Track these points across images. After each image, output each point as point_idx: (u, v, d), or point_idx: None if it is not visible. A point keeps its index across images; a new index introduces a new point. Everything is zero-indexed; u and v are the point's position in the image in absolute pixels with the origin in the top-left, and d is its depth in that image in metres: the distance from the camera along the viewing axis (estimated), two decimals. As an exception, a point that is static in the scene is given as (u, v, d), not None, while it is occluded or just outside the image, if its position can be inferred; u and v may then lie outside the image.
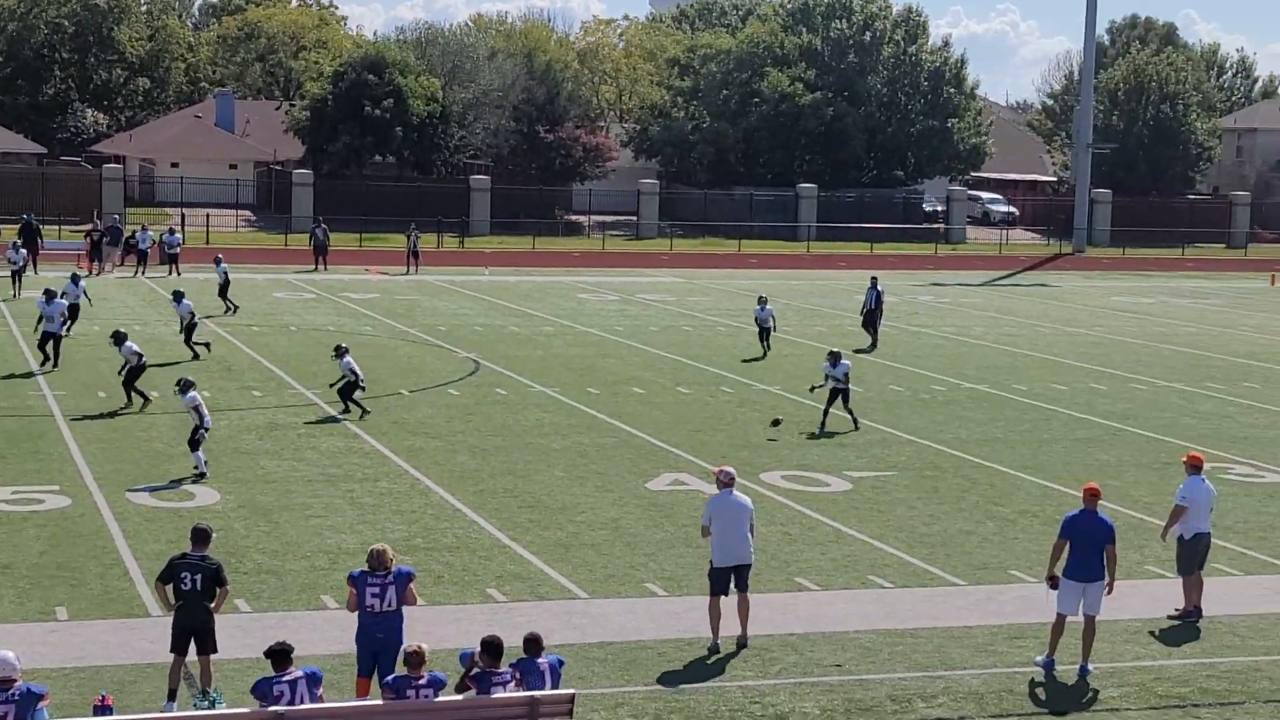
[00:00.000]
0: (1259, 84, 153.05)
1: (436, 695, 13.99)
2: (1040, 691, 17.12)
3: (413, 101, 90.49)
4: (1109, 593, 17.89)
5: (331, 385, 32.78)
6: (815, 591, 20.62)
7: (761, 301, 43.71)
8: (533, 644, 14.57)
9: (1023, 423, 33.81)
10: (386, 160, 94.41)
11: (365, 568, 15.81)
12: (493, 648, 14.32)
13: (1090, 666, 17.71)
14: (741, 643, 18.24)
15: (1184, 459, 20.67)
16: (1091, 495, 18.08)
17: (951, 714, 16.38)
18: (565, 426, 31.86)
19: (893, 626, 19.18)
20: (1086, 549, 17.74)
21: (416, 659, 14.04)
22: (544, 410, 33.70)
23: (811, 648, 18.29)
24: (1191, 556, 19.91)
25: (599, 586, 20.55)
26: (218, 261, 51.23)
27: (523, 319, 51.26)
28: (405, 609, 15.88)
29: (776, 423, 31.94)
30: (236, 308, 49.43)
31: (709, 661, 17.77)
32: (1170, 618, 19.83)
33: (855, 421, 31.98)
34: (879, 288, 46.86)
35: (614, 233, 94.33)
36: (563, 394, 35.89)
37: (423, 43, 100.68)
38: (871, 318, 46.44)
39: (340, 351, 32.13)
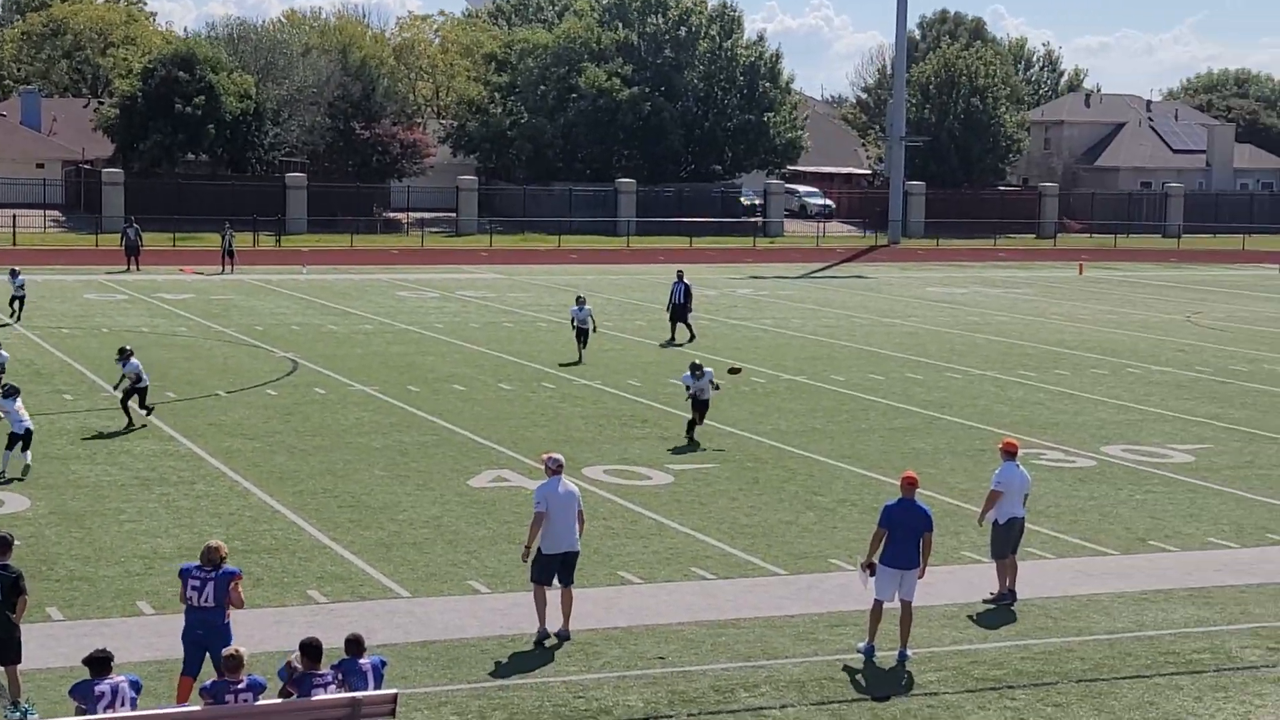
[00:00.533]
0: (1065, 77, 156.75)
1: (256, 699, 13.80)
2: (860, 678, 17.35)
3: (225, 99, 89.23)
4: (920, 577, 18.19)
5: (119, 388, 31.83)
6: (638, 585, 20.69)
7: (580, 301, 42.46)
8: (354, 644, 14.45)
9: (841, 413, 34.24)
10: (199, 158, 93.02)
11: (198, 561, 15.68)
12: (312, 649, 14.18)
13: (909, 652, 17.98)
14: (563, 636, 18.25)
15: (999, 445, 21.06)
16: (909, 484, 18.34)
17: (774, 702, 16.53)
18: (385, 425, 31.64)
19: (715, 617, 19.30)
20: (905, 537, 18.01)
21: (234, 662, 13.84)
22: (363, 409, 33.44)
23: (635, 641, 18.35)
24: (1005, 540, 20.29)
25: (421, 585, 20.43)
26: (14, 274, 48.46)
27: (341, 317, 50.82)
28: (235, 612, 15.67)
29: (735, 370, 31.73)
30: (17, 319, 47.55)
31: (534, 654, 17.75)
32: (986, 601, 20.21)
33: (691, 431, 30.74)
34: (685, 281, 47.02)
35: (433, 230, 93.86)
36: (382, 392, 35.64)
37: (235, 39, 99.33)
38: (680, 312, 46.51)
39: (124, 354, 30.62)
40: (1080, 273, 77.41)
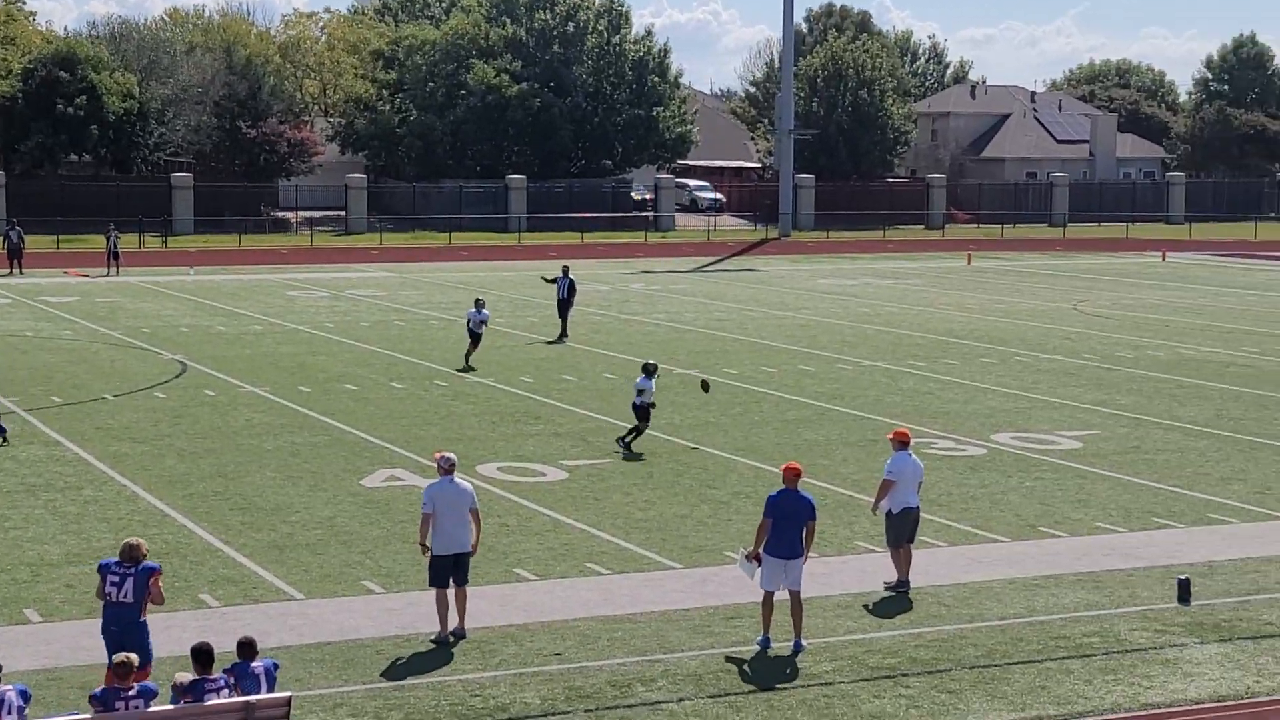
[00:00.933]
0: (950, 69, 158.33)
1: (147, 706, 13.64)
2: (748, 669, 17.39)
3: (108, 98, 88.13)
4: (804, 563, 18.34)
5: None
6: (534, 581, 20.65)
7: (478, 304, 40.95)
8: (246, 648, 14.32)
9: (734, 406, 34.35)
10: (83, 159, 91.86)
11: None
12: (202, 655, 14.05)
13: (804, 642, 18.07)
14: (459, 635, 18.18)
15: (890, 435, 21.22)
16: (792, 474, 18.46)
17: (670, 696, 16.56)
18: (276, 426, 31.39)
19: (611, 613, 19.31)
20: (789, 527, 18.14)
21: (124, 670, 13.66)
22: (254, 410, 33.15)
23: (531, 638, 18.32)
24: (900, 529, 20.45)
25: (315, 587, 20.28)
26: None
27: (230, 318, 50.36)
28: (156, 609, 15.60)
29: (705, 386, 31.56)
30: None
31: (430, 653, 17.67)
32: (887, 587, 20.36)
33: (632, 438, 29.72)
34: (571, 277, 46.94)
35: (322, 228, 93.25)
36: (273, 393, 35.35)
37: (117, 38, 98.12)
38: (563, 307, 46.33)
39: None
40: (968, 263, 78.16)
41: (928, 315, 53.26)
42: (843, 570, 21.10)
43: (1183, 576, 20.37)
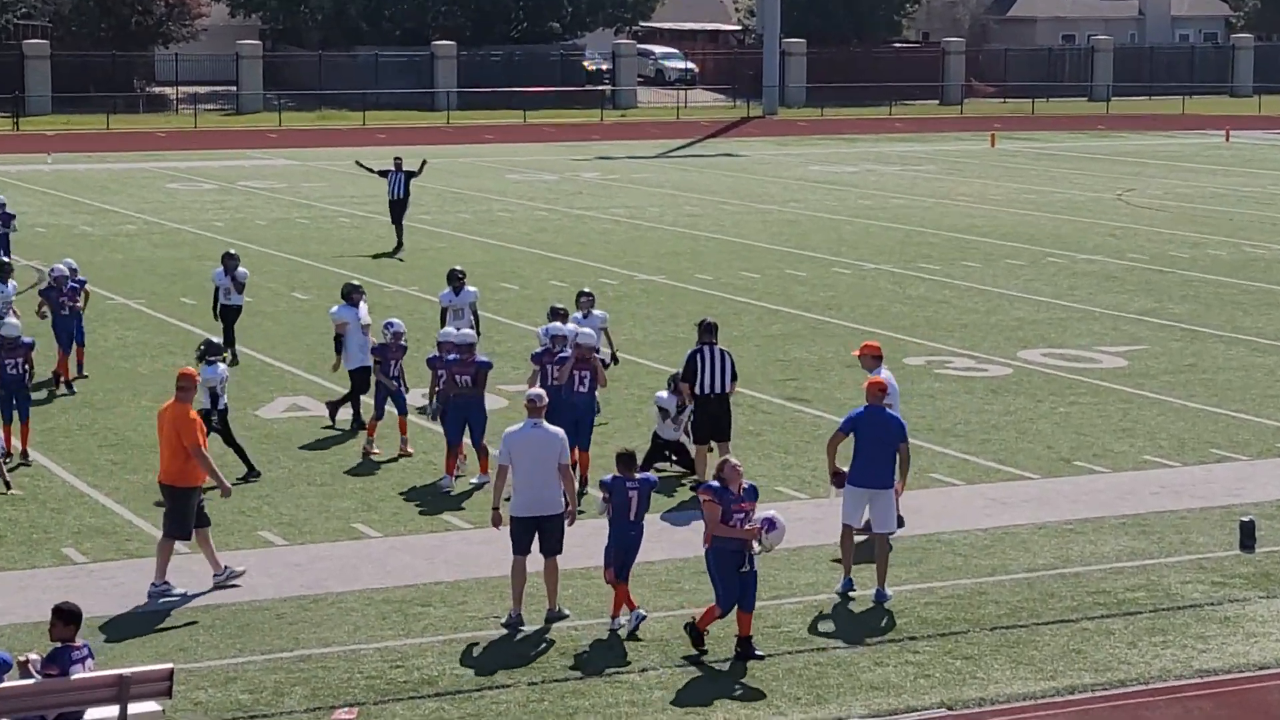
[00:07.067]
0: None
1: (3, 679, 13.69)
2: (831, 623, 17.51)
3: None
4: (900, 494, 18.86)
5: None
6: (466, 530, 20.75)
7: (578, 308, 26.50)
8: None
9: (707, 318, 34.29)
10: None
11: None
12: (70, 616, 14.12)
13: (889, 591, 18.45)
14: (555, 615, 17.87)
15: (856, 351, 21.92)
16: (878, 390, 18.85)
17: (631, 666, 16.66)
18: (154, 345, 31.37)
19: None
20: (876, 451, 18.42)
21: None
22: (127, 327, 33.12)
23: (463, 596, 18.39)
24: None
25: (202, 538, 20.31)
26: None
27: (97, 216, 50.17)
28: None
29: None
30: None
31: (340, 617, 17.71)
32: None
33: None
34: (405, 169, 44.27)
35: (208, 107, 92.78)
36: (149, 306, 35.34)
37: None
38: (398, 209, 43.97)
39: None
40: (992, 145, 78.20)
41: (943, 209, 53.33)
42: (839, 511, 21.16)
43: (1246, 518, 20.54)
